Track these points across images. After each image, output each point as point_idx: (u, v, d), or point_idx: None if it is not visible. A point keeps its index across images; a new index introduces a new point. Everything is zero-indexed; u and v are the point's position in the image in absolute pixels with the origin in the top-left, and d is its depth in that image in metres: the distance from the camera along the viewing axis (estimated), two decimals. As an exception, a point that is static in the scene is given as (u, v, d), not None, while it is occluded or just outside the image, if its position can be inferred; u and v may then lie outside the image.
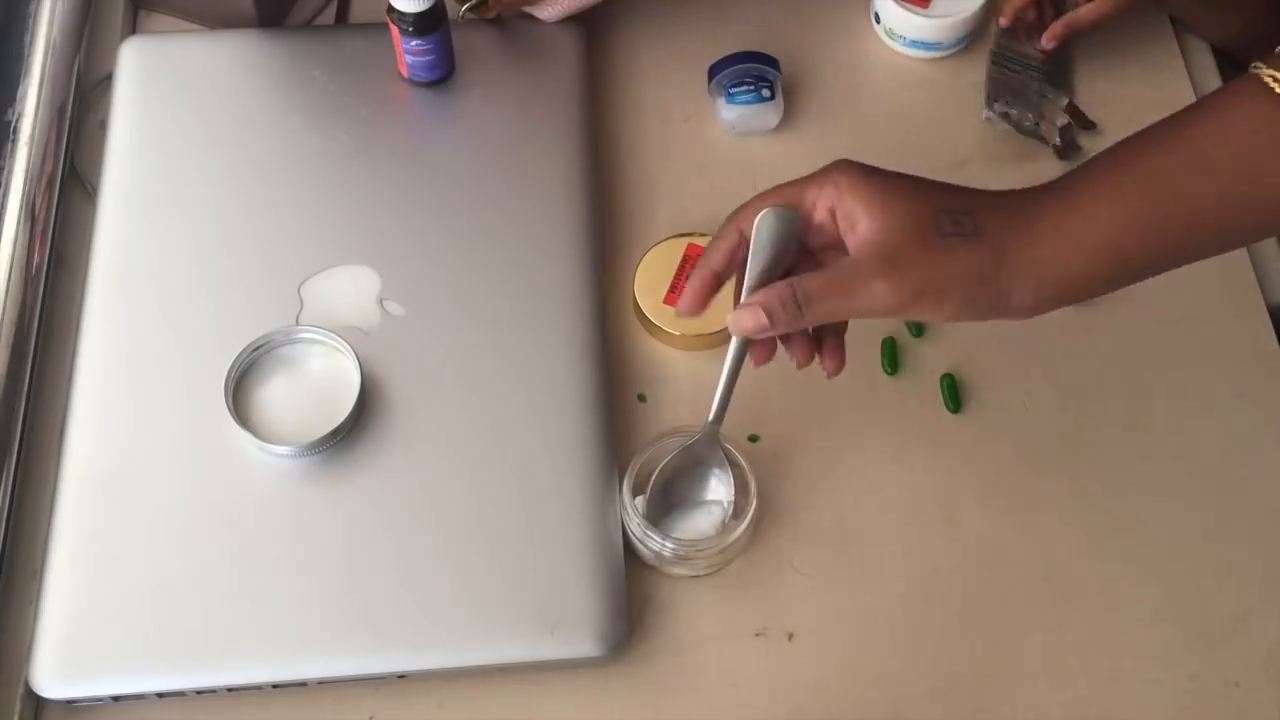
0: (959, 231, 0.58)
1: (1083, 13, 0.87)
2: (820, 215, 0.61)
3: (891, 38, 0.91)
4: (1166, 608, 0.73)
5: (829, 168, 0.61)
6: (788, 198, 0.62)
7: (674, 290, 0.79)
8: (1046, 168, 0.86)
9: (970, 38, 0.91)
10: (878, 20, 0.91)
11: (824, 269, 0.60)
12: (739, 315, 0.61)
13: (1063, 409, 0.79)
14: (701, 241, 0.80)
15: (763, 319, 0.60)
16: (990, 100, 0.87)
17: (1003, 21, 0.89)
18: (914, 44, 0.90)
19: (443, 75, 0.85)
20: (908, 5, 0.88)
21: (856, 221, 0.59)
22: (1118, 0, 0.86)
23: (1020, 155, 0.87)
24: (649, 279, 0.80)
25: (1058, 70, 0.89)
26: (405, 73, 0.84)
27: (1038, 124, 0.86)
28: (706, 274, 0.63)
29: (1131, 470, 0.77)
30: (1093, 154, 0.85)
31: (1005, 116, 0.87)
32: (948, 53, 0.91)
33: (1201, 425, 0.78)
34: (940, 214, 0.58)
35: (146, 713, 0.68)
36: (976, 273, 0.58)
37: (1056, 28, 0.88)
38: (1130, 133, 0.61)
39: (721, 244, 0.63)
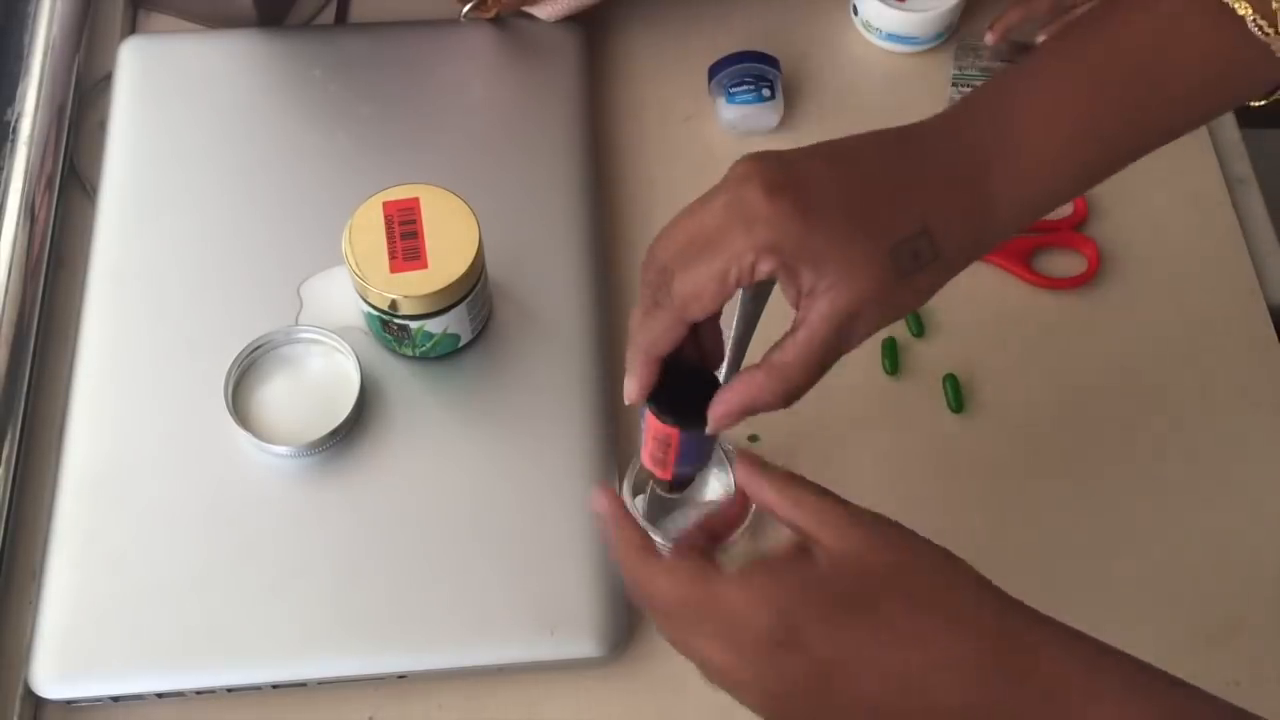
0: (918, 266, 0.53)
1: (1077, 17, 0.87)
2: (753, 278, 0.52)
3: (868, 30, 0.91)
4: (1166, 608, 0.73)
5: (751, 222, 0.51)
6: (709, 278, 0.52)
7: (392, 256, 0.70)
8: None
9: (949, 33, 0.90)
10: (856, 13, 0.91)
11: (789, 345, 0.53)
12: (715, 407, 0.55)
13: (1063, 409, 0.78)
14: (395, 194, 0.72)
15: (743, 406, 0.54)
16: None
17: (990, 38, 0.88)
18: (890, 37, 0.90)
19: None
20: None
21: (804, 284, 0.52)
22: None
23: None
24: (364, 246, 0.70)
25: None
26: None
27: None
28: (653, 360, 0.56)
29: (1132, 470, 0.77)
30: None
31: None
32: (925, 47, 0.90)
33: (1201, 425, 0.78)
34: (899, 249, 0.52)
35: (146, 713, 0.68)
36: (931, 291, 0.54)
37: (1054, 29, 0.87)
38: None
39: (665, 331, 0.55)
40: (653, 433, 0.58)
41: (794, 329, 0.53)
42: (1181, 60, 0.55)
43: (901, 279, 0.52)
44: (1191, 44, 0.55)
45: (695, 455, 0.60)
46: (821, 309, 0.52)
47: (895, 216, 0.52)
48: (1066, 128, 0.55)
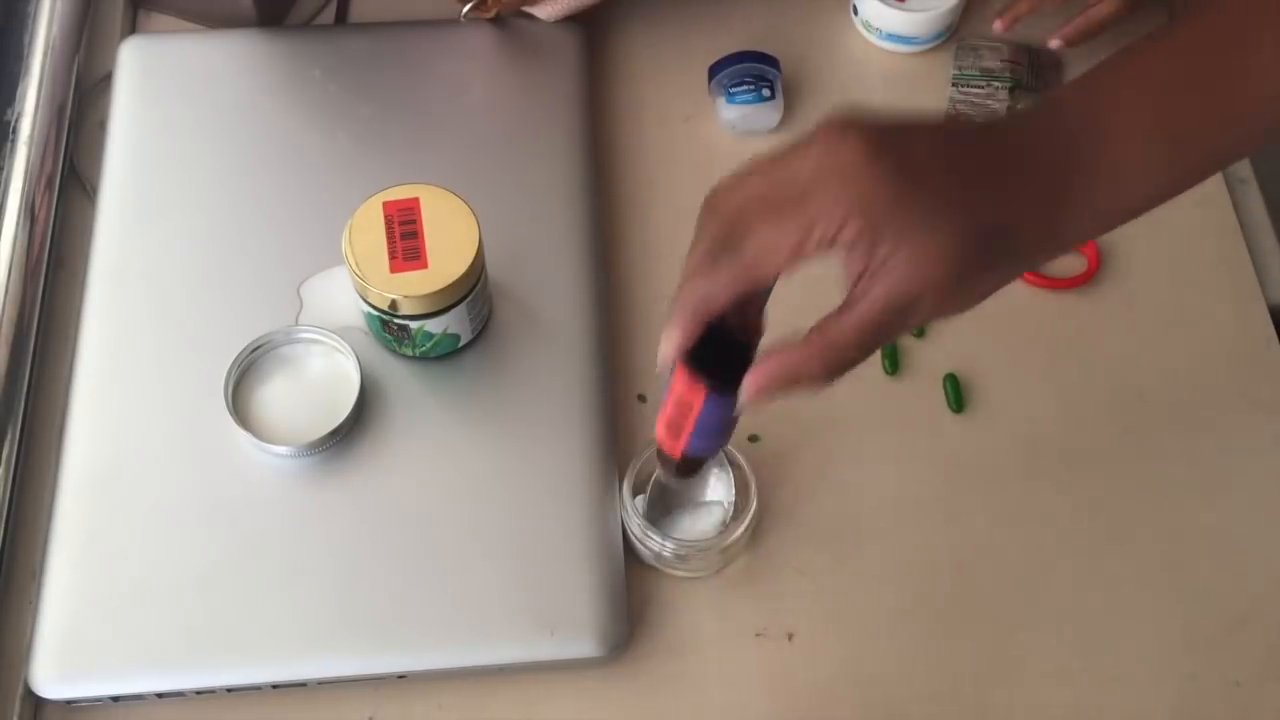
0: (992, 261, 0.51)
1: (1096, 13, 0.86)
2: (835, 240, 0.49)
3: (869, 30, 0.91)
4: (1166, 608, 0.73)
5: (848, 178, 0.48)
6: (792, 231, 0.49)
7: (392, 256, 0.69)
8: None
9: (949, 33, 0.90)
10: (856, 12, 0.91)
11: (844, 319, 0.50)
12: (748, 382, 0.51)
13: (1062, 409, 0.78)
14: (395, 194, 0.71)
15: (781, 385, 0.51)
16: None
17: (999, 26, 0.88)
18: (889, 37, 0.90)
19: None
20: None
21: (877, 256, 0.49)
22: None
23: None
24: (363, 246, 0.70)
25: (1031, 75, 0.88)
26: None
27: None
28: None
29: (1132, 470, 0.77)
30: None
31: None
32: (925, 47, 0.90)
33: (1201, 425, 0.78)
34: (978, 240, 0.50)
35: (146, 713, 0.68)
36: (990, 292, 0.52)
37: (1068, 31, 0.87)
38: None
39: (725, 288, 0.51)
40: (676, 396, 0.54)
41: (849, 303, 0.50)
42: (1258, 66, 0.54)
43: (970, 273, 0.50)
44: (1267, 49, 0.54)
45: (712, 431, 0.56)
46: (885, 285, 0.49)
47: (987, 203, 0.50)
48: (1149, 131, 0.53)
